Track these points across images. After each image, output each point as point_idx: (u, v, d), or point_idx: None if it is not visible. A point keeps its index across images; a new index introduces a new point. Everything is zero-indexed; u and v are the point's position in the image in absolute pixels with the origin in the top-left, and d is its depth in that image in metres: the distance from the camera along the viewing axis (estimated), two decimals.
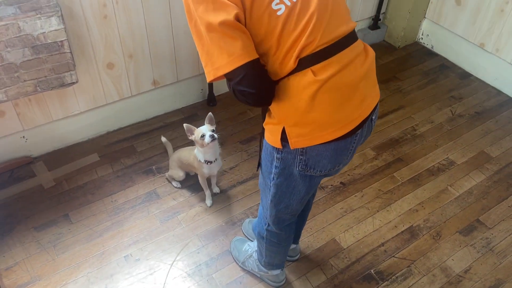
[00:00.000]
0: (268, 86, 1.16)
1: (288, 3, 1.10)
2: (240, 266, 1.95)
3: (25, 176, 2.29)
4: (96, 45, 2.19)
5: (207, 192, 2.19)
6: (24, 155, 2.34)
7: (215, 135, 1.90)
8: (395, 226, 2.15)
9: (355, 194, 2.28)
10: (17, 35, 1.81)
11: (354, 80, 1.19)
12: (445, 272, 1.98)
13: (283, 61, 1.14)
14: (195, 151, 2.06)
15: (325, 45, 1.14)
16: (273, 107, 1.23)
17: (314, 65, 1.14)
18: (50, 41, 1.89)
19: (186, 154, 2.16)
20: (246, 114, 2.71)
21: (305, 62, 1.14)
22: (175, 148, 2.35)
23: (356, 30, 3.20)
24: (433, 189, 2.33)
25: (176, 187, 2.27)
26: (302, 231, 1.95)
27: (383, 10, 3.24)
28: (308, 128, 1.19)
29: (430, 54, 3.27)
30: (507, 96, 2.92)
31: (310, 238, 2.08)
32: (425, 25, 3.27)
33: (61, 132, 2.39)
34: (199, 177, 2.17)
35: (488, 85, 3.00)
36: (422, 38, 3.33)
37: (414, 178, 2.38)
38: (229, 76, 1.11)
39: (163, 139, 2.35)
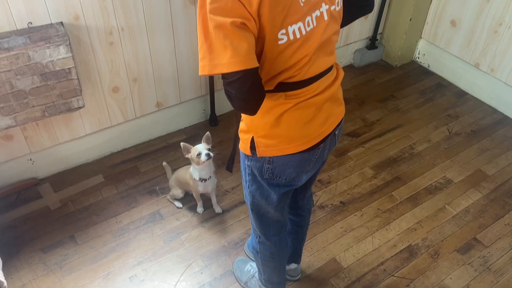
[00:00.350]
0: (258, 98, 1.14)
1: (292, 37, 1.13)
2: (242, 286, 1.99)
3: (31, 198, 2.34)
4: (102, 70, 2.26)
5: (199, 203, 2.30)
6: (31, 177, 2.40)
7: (211, 154, 2.02)
8: (394, 245, 2.19)
9: (355, 213, 2.33)
10: (27, 63, 1.87)
11: (319, 101, 1.28)
12: None
13: (265, 82, 1.20)
14: (191, 169, 2.14)
15: (307, 77, 1.22)
16: (245, 117, 1.32)
17: (290, 91, 1.22)
18: (58, 69, 1.95)
19: (182, 172, 2.25)
20: None
21: (282, 87, 1.22)
22: (176, 169, 2.41)
23: (354, 50, 3.33)
24: (431, 207, 2.37)
25: (178, 207, 2.32)
26: (303, 251, 1.99)
27: (380, 30, 3.32)
28: (275, 140, 1.29)
29: (426, 73, 3.34)
30: (503, 114, 2.98)
31: (311, 257, 2.12)
32: (421, 45, 3.34)
33: (67, 154, 2.44)
34: (193, 193, 2.26)
35: (484, 103, 3.06)
36: (418, 58, 3.41)
37: (412, 197, 2.43)
38: (224, 76, 1.10)
39: (164, 163, 2.42)
